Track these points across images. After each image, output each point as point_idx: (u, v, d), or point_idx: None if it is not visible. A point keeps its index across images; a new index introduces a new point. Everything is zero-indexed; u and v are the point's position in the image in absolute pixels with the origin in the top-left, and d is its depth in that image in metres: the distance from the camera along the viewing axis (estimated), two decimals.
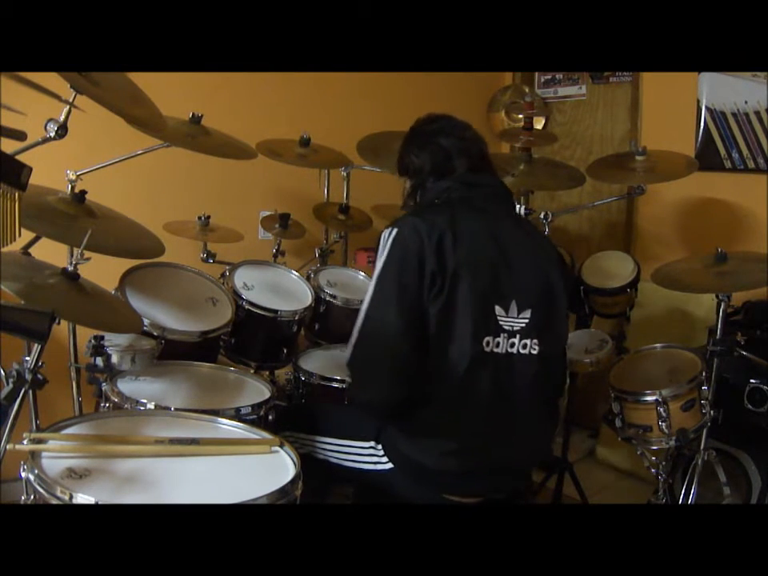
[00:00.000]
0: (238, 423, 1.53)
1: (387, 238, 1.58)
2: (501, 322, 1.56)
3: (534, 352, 1.60)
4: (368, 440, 1.67)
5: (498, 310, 1.56)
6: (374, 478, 1.67)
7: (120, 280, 1.92)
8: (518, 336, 1.58)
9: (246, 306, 2.15)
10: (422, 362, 1.54)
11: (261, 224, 2.79)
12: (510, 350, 1.57)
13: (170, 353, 1.86)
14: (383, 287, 1.55)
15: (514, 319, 1.58)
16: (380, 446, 1.65)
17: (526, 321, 1.59)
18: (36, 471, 1.16)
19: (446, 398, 1.55)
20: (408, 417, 1.58)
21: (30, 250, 1.74)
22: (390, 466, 1.64)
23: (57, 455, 1.26)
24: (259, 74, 2.89)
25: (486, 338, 1.54)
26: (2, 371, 1.41)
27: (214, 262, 2.49)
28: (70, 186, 1.78)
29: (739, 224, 2.98)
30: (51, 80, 1.38)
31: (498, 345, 1.55)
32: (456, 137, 1.71)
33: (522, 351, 1.58)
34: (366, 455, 1.67)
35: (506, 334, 1.56)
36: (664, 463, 2.12)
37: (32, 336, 1.30)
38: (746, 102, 2.91)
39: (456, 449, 1.56)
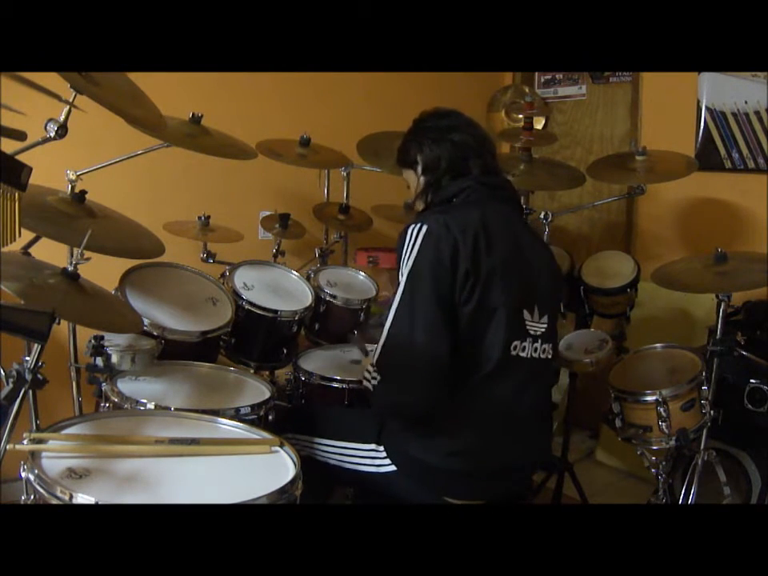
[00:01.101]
0: (238, 423, 1.52)
1: (415, 234, 1.52)
2: (528, 327, 1.56)
3: (549, 357, 1.61)
4: (368, 442, 1.67)
5: (525, 314, 1.56)
6: (374, 480, 1.67)
7: (120, 280, 1.92)
8: (539, 341, 1.58)
9: (246, 306, 2.14)
10: (456, 364, 1.51)
11: (261, 224, 2.79)
12: (533, 354, 1.57)
13: (170, 353, 1.86)
14: (415, 286, 1.50)
15: (537, 324, 1.58)
16: (381, 448, 1.65)
17: (546, 325, 1.60)
18: (36, 471, 1.16)
19: (465, 398, 1.54)
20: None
21: (30, 250, 1.74)
22: (392, 468, 1.64)
23: (57, 455, 1.26)
24: (259, 74, 2.89)
25: (514, 342, 1.54)
26: (2, 371, 1.41)
27: (214, 262, 2.49)
28: (70, 186, 1.78)
29: (739, 224, 2.98)
30: (51, 80, 1.38)
31: (523, 349, 1.56)
32: (469, 134, 1.68)
33: (542, 356, 1.59)
34: (366, 457, 1.67)
35: (530, 339, 1.57)
36: (664, 463, 2.12)
37: (32, 336, 1.30)
38: (745, 102, 2.91)
39: (464, 449, 1.56)
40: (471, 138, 1.68)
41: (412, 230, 1.54)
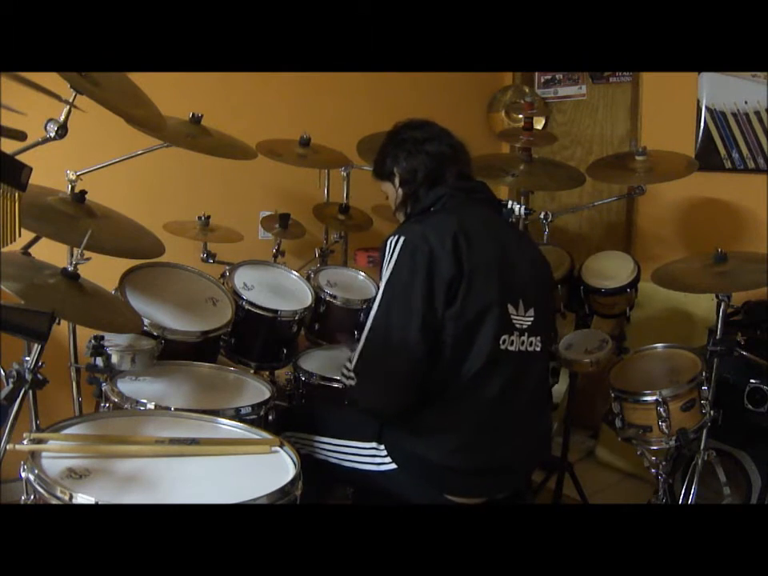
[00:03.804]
0: (238, 423, 1.53)
1: (393, 246, 1.58)
2: (514, 321, 1.60)
3: (538, 349, 1.64)
4: (369, 440, 1.67)
5: (510, 308, 1.59)
6: (374, 479, 1.67)
7: (120, 280, 1.92)
8: (526, 334, 1.62)
9: (246, 306, 2.14)
10: (432, 369, 1.55)
11: (261, 224, 2.79)
12: (521, 348, 1.61)
13: (170, 353, 1.86)
14: (392, 296, 1.55)
15: (523, 317, 1.62)
16: (382, 447, 1.65)
17: (532, 319, 1.63)
18: (36, 471, 1.16)
19: (458, 394, 1.56)
20: (416, 414, 1.59)
21: (30, 250, 1.74)
22: (392, 466, 1.64)
23: (57, 455, 1.26)
24: (259, 74, 2.89)
25: (503, 336, 1.57)
26: (2, 371, 1.41)
27: (214, 262, 2.49)
28: (69, 186, 1.78)
29: (739, 224, 2.98)
30: (51, 80, 1.38)
31: (512, 343, 1.59)
32: (443, 144, 1.73)
33: (529, 349, 1.62)
34: (366, 456, 1.67)
35: (517, 332, 1.60)
36: (664, 463, 2.12)
37: (32, 336, 1.30)
38: (745, 102, 2.91)
39: (463, 445, 1.58)
40: (446, 147, 1.73)
41: (390, 242, 1.59)
